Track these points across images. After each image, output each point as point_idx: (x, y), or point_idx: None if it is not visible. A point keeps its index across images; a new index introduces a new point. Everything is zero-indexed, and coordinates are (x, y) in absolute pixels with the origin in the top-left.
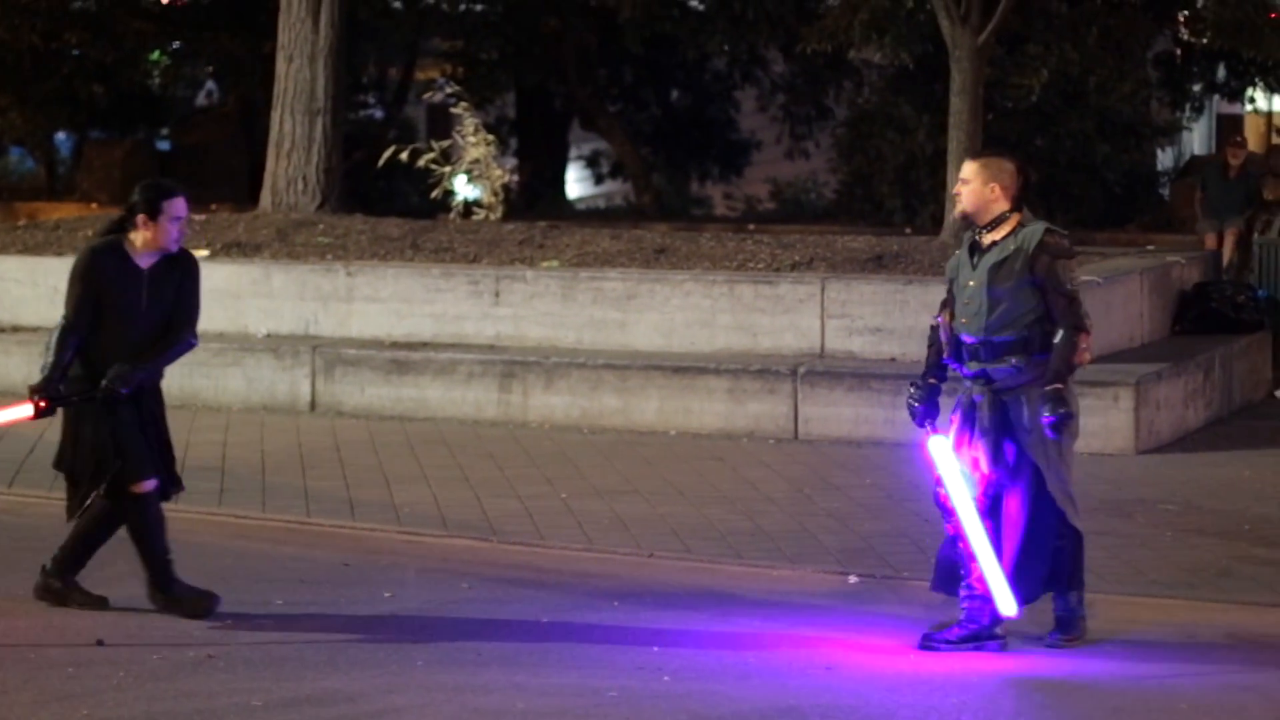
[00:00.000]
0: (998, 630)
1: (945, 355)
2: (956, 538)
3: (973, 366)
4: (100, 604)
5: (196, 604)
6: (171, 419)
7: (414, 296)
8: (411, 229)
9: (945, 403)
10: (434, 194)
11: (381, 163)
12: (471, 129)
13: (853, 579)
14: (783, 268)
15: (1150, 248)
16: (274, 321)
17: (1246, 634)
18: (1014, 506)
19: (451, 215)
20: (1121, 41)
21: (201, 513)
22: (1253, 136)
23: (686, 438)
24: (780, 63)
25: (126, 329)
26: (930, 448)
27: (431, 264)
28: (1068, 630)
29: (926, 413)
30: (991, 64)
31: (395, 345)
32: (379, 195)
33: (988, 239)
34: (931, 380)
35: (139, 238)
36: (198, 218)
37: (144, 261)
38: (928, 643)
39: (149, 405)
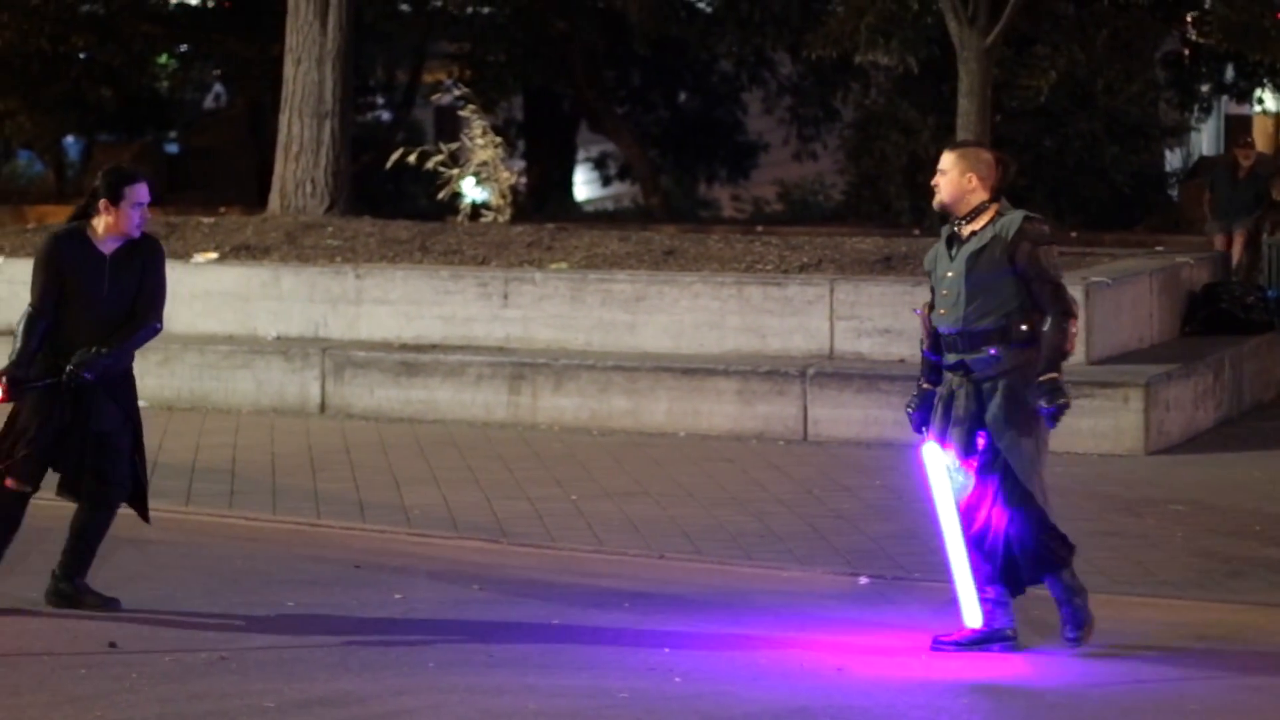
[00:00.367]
0: (1008, 632)
1: (926, 348)
2: (979, 538)
3: (951, 358)
4: (113, 605)
5: None
6: (181, 421)
7: (423, 299)
8: (420, 231)
9: None
10: (442, 196)
11: (390, 165)
12: (479, 131)
13: (863, 580)
14: (791, 269)
15: (1159, 249)
16: (283, 324)
17: (1257, 635)
18: (991, 496)
19: (460, 217)
20: (1130, 42)
21: (212, 515)
22: (1261, 137)
23: (696, 439)
24: (788, 65)
25: (90, 315)
26: (924, 455)
27: (440, 266)
28: (1078, 625)
29: (923, 419)
30: (999, 65)
31: (404, 347)
32: (387, 198)
33: (966, 230)
34: (926, 386)
35: (101, 223)
36: (206, 220)
37: (106, 247)
38: (938, 645)
39: (124, 402)
